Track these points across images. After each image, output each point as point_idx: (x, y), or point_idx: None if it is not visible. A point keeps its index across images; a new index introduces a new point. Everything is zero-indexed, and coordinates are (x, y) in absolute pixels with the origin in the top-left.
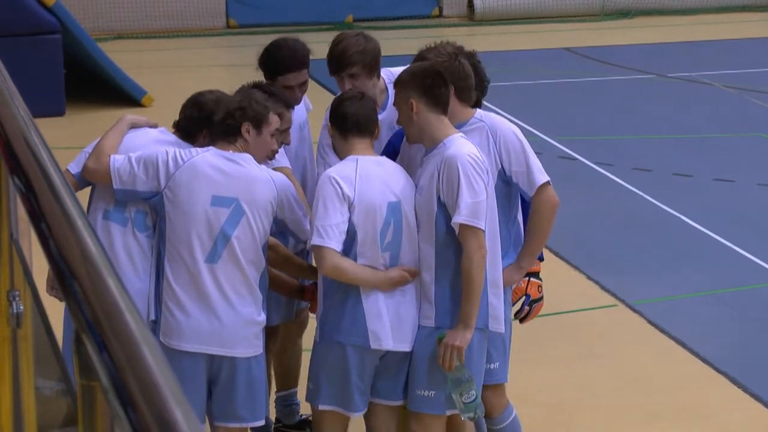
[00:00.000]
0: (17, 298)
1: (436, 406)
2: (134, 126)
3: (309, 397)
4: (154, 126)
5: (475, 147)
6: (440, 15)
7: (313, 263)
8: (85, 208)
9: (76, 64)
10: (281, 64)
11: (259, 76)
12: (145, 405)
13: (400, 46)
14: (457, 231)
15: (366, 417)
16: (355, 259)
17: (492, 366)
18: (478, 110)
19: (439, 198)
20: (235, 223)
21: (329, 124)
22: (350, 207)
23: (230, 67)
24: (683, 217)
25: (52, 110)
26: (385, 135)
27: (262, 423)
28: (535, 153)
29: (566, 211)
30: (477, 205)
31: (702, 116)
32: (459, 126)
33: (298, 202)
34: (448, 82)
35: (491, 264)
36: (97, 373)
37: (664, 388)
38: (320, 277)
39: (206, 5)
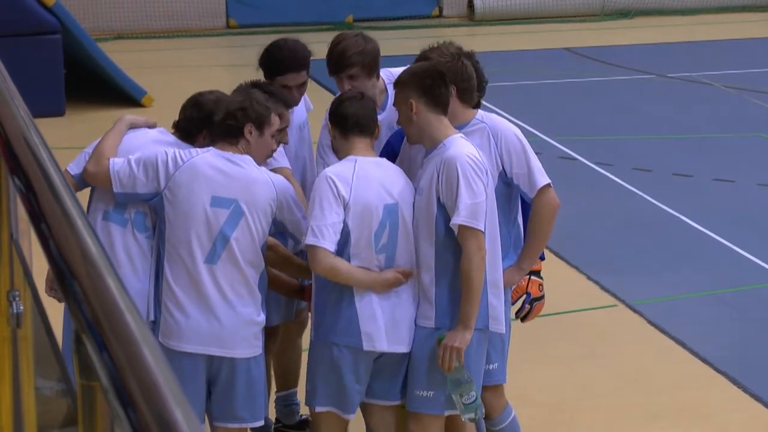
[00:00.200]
0: (17, 299)
1: (435, 406)
2: (133, 126)
3: (306, 399)
4: (153, 126)
5: (474, 148)
6: (440, 15)
7: None
8: (85, 209)
9: (76, 64)
10: (281, 64)
11: (259, 76)
12: (145, 405)
13: (400, 46)
14: (456, 232)
15: (364, 417)
16: (348, 260)
17: (491, 366)
18: (480, 111)
19: (438, 199)
20: (235, 224)
21: (329, 124)
22: (345, 208)
23: (230, 68)
24: (683, 217)
25: (52, 110)
26: (384, 135)
27: (261, 423)
28: (536, 153)
29: (566, 212)
30: (476, 206)
31: (702, 116)
32: (460, 127)
33: (298, 204)
34: (448, 83)
35: (491, 265)
36: (97, 373)
37: (664, 388)
38: (314, 277)
39: (206, 5)
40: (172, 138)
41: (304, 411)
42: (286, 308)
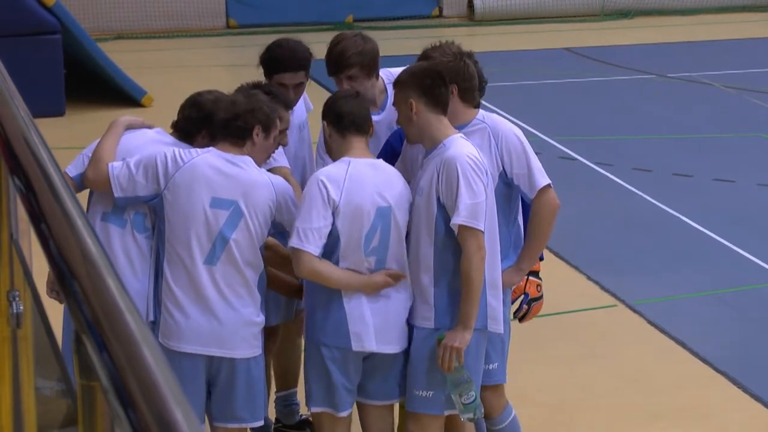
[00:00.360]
0: (17, 299)
1: (434, 406)
2: (130, 127)
3: (305, 400)
4: (150, 127)
5: (474, 148)
6: (440, 15)
7: None
8: (84, 210)
9: (76, 65)
10: (279, 62)
11: (259, 76)
12: (145, 405)
13: (400, 46)
14: (456, 232)
15: (360, 417)
16: (337, 263)
17: (490, 366)
18: (480, 111)
19: (438, 199)
20: (234, 225)
21: (324, 122)
22: (335, 211)
23: (230, 67)
24: (683, 217)
25: (52, 110)
26: (384, 135)
27: (261, 423)
28: (536, 153)
29: (566, 212)
30: (476, 206)
31: (702, 116)
32: (461, 127)
33: (296, 205)
34: (447, 82)
35: (490, 265)
36: (97, 373)
37: (664, 388)
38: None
39: (206, 5)
40: (170, 138)
41: (303, 411)
42: (285, 308)
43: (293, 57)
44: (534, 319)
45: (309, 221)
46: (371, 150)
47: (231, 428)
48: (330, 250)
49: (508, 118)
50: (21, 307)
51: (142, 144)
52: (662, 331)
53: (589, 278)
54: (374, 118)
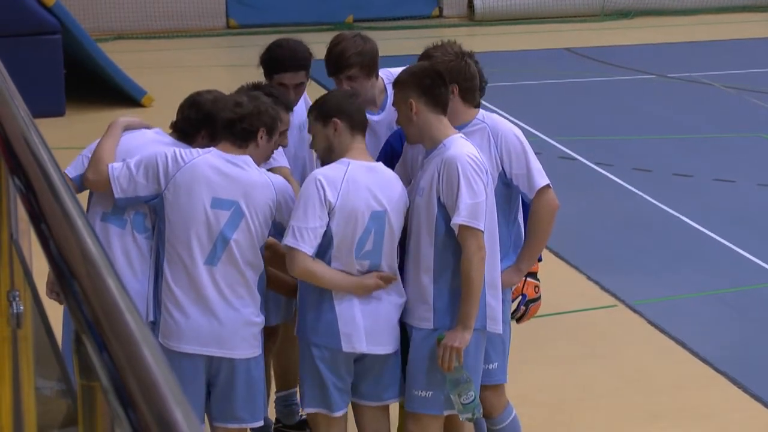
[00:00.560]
0: (17, 299)
1: (434, 406)
2: (129, 127)
3: (300, 402)
4: (148, 127)
5: (474, 148)
6: (440, 15)
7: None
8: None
9: (76, 65)
10: (279, 62)
11: (259, 76)
12: (145, 405)
13: (400, 46)
14: (456, 232)
15: (354, 417)
16: (329, 263)
17: (491, 366)
18: (481, 111)
19: (439, 199)
20: (235, 225)
21: (337, 120)
22: (330, 212)
23: (230, 68)
24: (683, 217)
25: (52, 110)
26: (384, 135)
27: (261, 423)
28: (535, 153)
29: (566, 211)
30: (476, 206)
31: (702, 116)
32: (461, 126)
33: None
34: (447, 82)
35: (490, 265)
36: (97, 374)
37: (664, 388)
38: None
39: (206, 5)
40: (169, 139)
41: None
42: (285, 308)
43: (293, 57)
44: (534, 319)
45: (305, 221)
46: (372, 150)
47: (231, 428)
48: (322, 251)
49: (508, 118)
50: (21, 307)
51: (142, 144)
52: (662, 331)
53: (589, 278)
54: (374, 118)
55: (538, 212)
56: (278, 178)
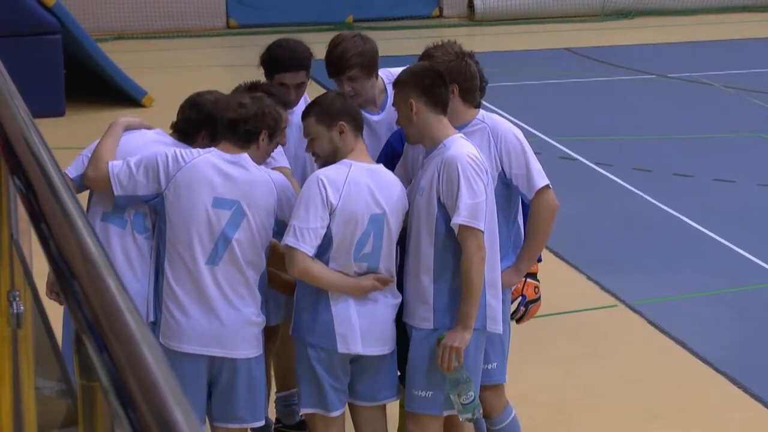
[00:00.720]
0: (17, 299)
1: (434, 406)
2: (129, 127)
3: (298, 402)
4: (149, 127)
5: (474, 148)
6: (440, 15)
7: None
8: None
9: (77, 65)
10: (280, 62)
11: (259, 76)
12: (145, 405)
13: (400, 46)
14: (456, 232)
15: (351, 417)
16: (327, 264)
17: (490, 366)
18: (481, 111)
19: (439, 199)
20: (236, 225)
21: (343, 123)
22: (331, 213)
23: (230, 68)
24: (683, 217)
25: (53, 110)
26: (384, 135)
27: (262, 423)
28: (535, 153)
29: (566, 211)
30: (476, 206)
31: (702, 116)
32: (461, 126)
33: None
34: (447, 82)
35: (490, 265)
36: (97, 374)
37: (664, 388)
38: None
39: (206, 5)
40: (170, 139)
41: None
42: (285, 308)
43: (293, 57)
44: (534, 319)
45: (306, 221)
46: (372, 150)
47: (231, 428)
48: (321, 251)
49: (508, 119)
50: (21, 308)
51: (142, 144)
52: (662, 331)
53: (589, 278)
54: (374, 118)
55: (538, 212)
56: (278, 175)
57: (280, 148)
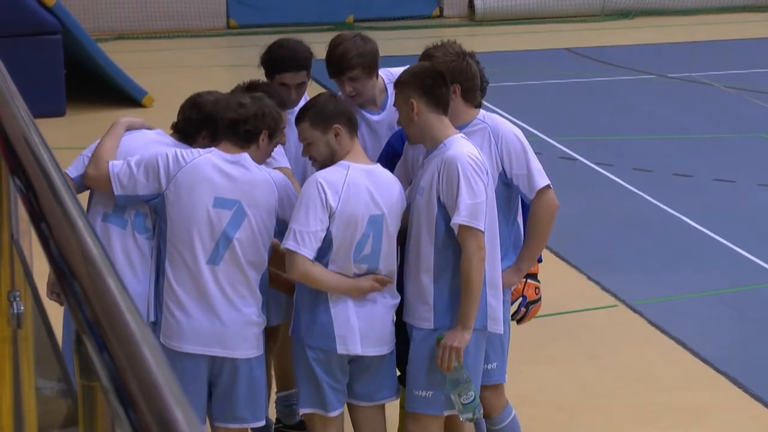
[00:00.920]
0: (18, 299)
1: (434, 406)
2: (130, 128)
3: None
4: (150, 128)
5: (475, 148)
6: (441, 15)
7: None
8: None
9: (77, 65)
10: (280, 62)
11: (260, 76)
12: (145, 405)
13: (400, 46)
14: (456, 232)
15: (350, 417)
16: (327, 266)
17: (490, 366)
18: (481, 111)
19: (439, 198)
20: (237, 224)
21: (339, 126)
22: (331, 216)
23: (231, 68)
24: (683, 217)
25: (53, 110)
26: (384, 135)
27: (262, 423)
28: (535, 153)
29: (566, 211)
30: (476, 206)
31: (702, 116)
32: (462, 127)
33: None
34: (448, 82)
35: (490, 265)
36: (98, 374)
37: (664, 388)
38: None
39: (207, 6)
40: (170, 139)
41: None
42: (286, 308)
43: (294, 57)
44: (534, 319)
45: (306, 224)
46: (372, 150)
47: (232, 428)
48: (322, 254)
49: (508, 118)
50: (21, 308)
51: (143, 145)
52: (662, 331)
53: (589, 278)
54: (374, 118)
55: (539, 212)
56: (279, 175)
57: (280, 148)
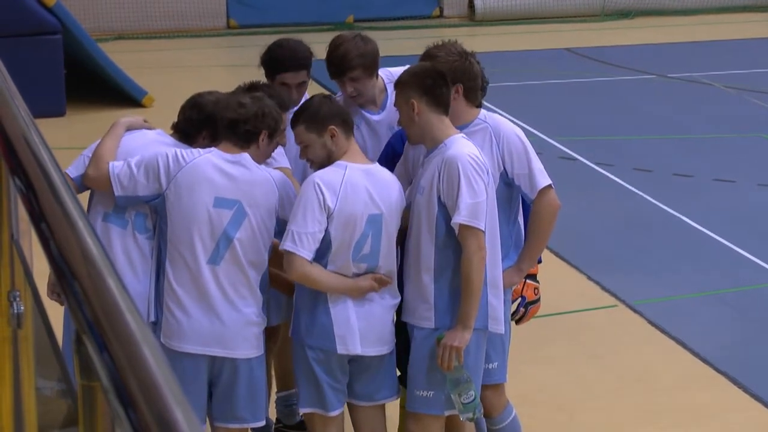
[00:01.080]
0: (18, 299)
1: (435, 406)
2: (131, 128)
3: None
4: (150, 127)
5: (475, 147)
6: (441, 15)
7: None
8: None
9: (77, 65)
10: (281, 62)
11: (260, 76)
12: (145, 405)
13: (400, 46)
14: (456, 231)
15: (351, 417)
16: (326, 266)
17: (491, 366)
18: (482, 111)
19: (439, 198)
20: (238, 224)
21: (334, 127)
22: (329, 217)
23: (231, 68)
24: (683, 217)
25: (53, 111)
26: (384, 135)
27: (262, 424)
28: (536, 153)
29: (566, 211)
30: (477, 206)
31: (702, 116)
32: (463, 126)
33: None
34: (449, 82)
35: (491, 264)
36: (98, 374)
37: (664, 388)
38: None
39: (207, 6)
40: (170, 139)
41: None
42: (286, 308)
43: (294, 57)
44: (534, 319)
45: (304, 225)
46: (373, 150)
47: (232, 428)
48: (321, 254)
49: (508, 119)
50: (22, 308)
51: (143, 145)
52: (663, 331)
53: (589, 278)
54: (374, 117)
55: (540, 212)
56: (278, 174)
57: (280, 149)
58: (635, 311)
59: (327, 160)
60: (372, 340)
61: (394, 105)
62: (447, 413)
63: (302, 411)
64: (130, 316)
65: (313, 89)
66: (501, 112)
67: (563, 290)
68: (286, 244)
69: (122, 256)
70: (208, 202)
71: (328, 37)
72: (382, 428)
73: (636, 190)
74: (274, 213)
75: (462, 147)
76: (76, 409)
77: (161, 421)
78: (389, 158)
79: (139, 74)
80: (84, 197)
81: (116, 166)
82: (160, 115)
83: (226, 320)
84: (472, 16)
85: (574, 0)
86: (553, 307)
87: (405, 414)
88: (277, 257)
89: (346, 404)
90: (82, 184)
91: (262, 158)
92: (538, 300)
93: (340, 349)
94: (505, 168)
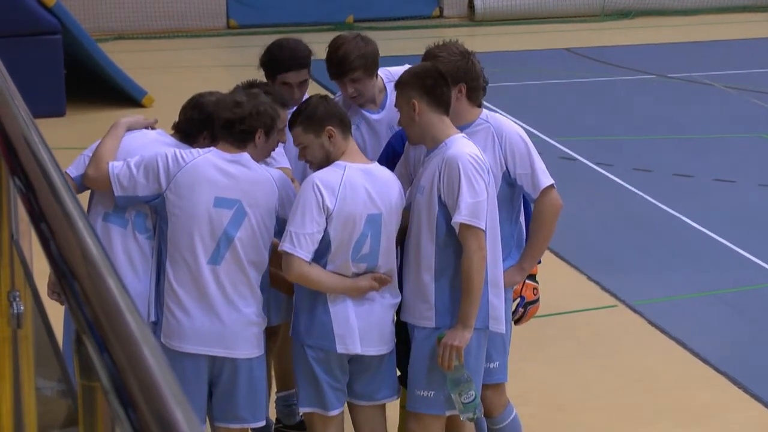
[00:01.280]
0: (18, 299)
1: (436, 406)
2: (131, 128)
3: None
4: (152, 125)
5: (476, 147)
6: (441, 15)
7: None
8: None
9: (77, 65)
10: (281, 62)
11: (259, 76)
12: (145, 405)
13: (400, 46)
14: (457, 231)
15: (351, 417)
16: (325, 266)
17: (492, 365)
18: (484, 111)
19: (439, 198)
20: (238, 224)
21: (331, 128)
22: (328, 217)
23: (231, 68)
24: (683, 217)
25: (53, 111)
26: (384, 135)
27: (262, 423)
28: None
29: (566, 211)
30: (477, 205)
31: (702, 116)
32: (465, 126)
33: None
34: (449, 82)
35: (492, 264)
36: (98, 374)
37: (664, 388)
38: None
39: (207, 6)
40: (171, 139)
41: None
42: (286, 308)
43: (294, 56)
44: (534, 319)
45: (302, 226)
46: (373, 150)
47: (232, 428)
48: (320, 255)
49: (508, 118)
50: (21, 308)
51: (143, 145)
52: (663, 331)
53: (589, 278)
54: (374, 117)
55: (542, 212)
56: (278, 173)
57: (281, 149)
58: (635, 311)
59: (325, 161)
60: (372, 339)
61: (395, 105)
62: (447, 413)
63: (302, 411)
64: (130, 316)
65: (313, 89)
66: (501, 112)
67: (563, 290)
68: (285, 245)
69: (123, 256)
70: (209, 202)
71: (328, 37)
72: (382, 428)
73: (636, 190)
74: (275, 212)
75: (462, 146)
76: (76, 409)
77: (161, 422)
78: (389, 158)
79: (139, 74)
80: (84, 197)
81: (116, 167)
82: (160, 115)
83: (226, 320)
84: (472, 16)
85: (574, 0)
86: (553, 307)
87: (405, 414)
88: (277, 257)
89: (346, 404)
90: (82, 184)
91: (261, 156)
92: (537, 300)
93: (340, 349)
94: (507, 168)
